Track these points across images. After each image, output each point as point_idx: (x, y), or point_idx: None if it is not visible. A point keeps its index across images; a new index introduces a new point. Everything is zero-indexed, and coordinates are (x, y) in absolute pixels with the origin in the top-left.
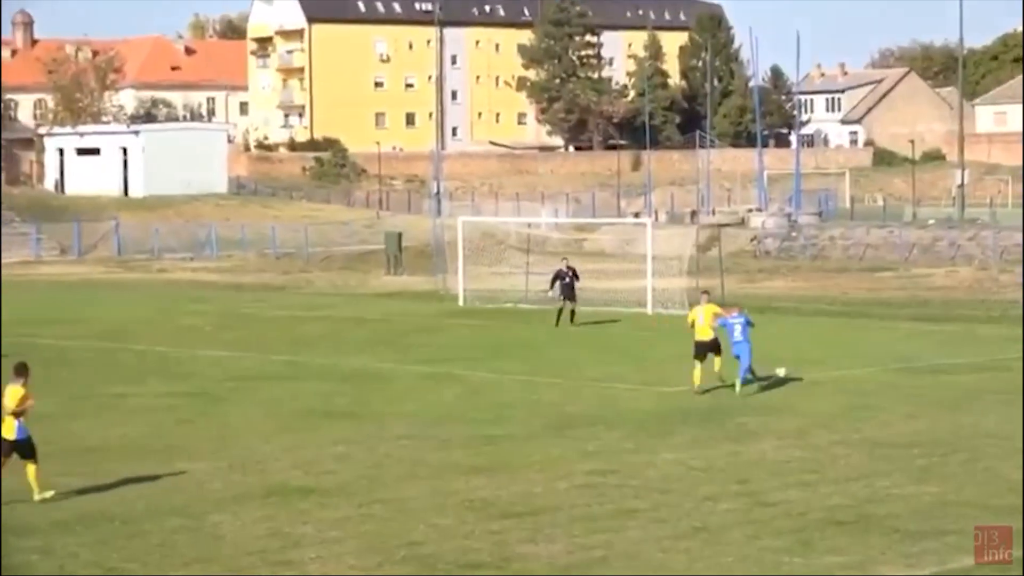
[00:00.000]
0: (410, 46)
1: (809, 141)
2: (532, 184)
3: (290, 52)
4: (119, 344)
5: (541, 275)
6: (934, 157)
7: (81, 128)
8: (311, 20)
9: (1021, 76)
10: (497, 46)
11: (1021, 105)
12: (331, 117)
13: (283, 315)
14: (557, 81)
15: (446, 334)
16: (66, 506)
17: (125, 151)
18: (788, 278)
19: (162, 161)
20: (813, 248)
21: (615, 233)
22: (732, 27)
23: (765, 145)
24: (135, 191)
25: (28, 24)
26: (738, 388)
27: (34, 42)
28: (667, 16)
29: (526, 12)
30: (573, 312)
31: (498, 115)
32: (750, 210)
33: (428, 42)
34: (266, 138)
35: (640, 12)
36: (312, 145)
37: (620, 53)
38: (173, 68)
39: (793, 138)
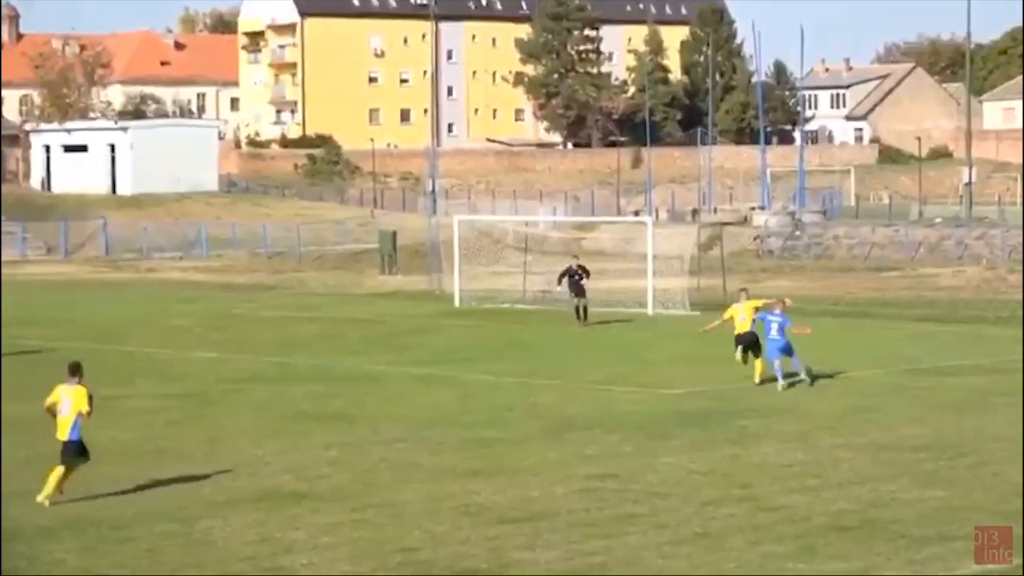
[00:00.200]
0: (405, 40)
1: (813, 138)
2: (530, 182)
3: (282, 47)
4: (107, 345)
5: (539, 275)
6: (941, 154)
7: (68, 124)
8: (303, 14)
9: (1021, 76)
10: (494, 40)
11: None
12: (324, 113)
13: (275, 316)
14: (555, 76)
15: (442, 335)
16: (53, 511)
17: (113, 148)
18: (791, 278)
19: (151, 158)
20: (817, 247)
21: (615, 232)
22: (734, 21)
23: (768, 142)
24: (123, 189)
25: (14, 18)
26: (780, 384)
27: (20, 36)
28: (668, 10)
29: (524, 6)
30: (585, 308)
31: (495, 111)
32: (753, 208)
33: (423, 36)
34: (257, 135)
35: (640, 6)
36: (304, 142)
37: (620, 48)
38: (162, 63)
39: (797, 135)
